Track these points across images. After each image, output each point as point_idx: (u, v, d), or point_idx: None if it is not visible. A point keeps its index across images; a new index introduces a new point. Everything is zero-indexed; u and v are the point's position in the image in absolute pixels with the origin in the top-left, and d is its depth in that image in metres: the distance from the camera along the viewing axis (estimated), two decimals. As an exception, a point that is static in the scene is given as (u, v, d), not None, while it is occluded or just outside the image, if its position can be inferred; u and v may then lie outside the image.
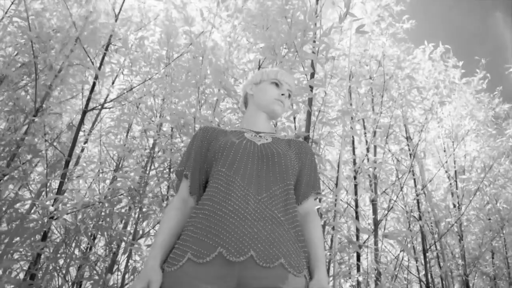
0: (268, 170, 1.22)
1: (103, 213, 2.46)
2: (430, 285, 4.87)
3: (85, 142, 3.49)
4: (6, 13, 3.57)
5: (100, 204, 2.38)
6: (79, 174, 3.17)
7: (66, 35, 3.27)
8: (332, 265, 2.83)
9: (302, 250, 1.14)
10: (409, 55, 6.10)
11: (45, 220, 2.24)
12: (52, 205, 2.25)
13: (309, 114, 3.54)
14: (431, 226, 4.92)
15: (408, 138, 5.73)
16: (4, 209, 2.45)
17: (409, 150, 5.44)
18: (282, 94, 1.46)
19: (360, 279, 3.73)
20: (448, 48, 6.30)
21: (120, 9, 3.68)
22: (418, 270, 4.80)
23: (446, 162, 5.96)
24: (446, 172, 5.91)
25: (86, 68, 3.33)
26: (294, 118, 4.20)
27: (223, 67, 3.53)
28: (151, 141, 3.39)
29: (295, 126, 4.20)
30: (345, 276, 2.85)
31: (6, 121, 3.01)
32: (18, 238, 2.47)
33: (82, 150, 3.55)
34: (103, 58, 3.29)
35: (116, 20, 3.59)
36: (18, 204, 2.92)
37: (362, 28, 2.49)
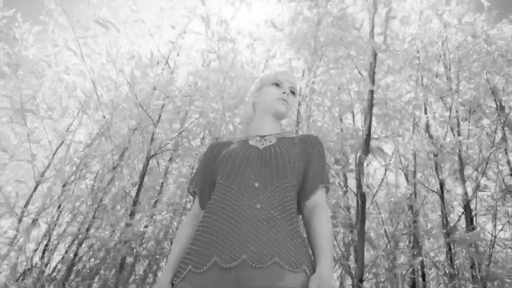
0: (266, 171, 1.24)
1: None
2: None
3: (162, 184, 4.05)
4: (79, 122, 4.30)
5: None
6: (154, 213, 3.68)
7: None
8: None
9: (302, 245, 1.13)
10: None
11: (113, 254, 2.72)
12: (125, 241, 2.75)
13: (370, 108, 3.37)
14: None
15: (498, 107, 5.11)
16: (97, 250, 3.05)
17: (500, 121, 4.85)
18: (284, 93, 1.46)
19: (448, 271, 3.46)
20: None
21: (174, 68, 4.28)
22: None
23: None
24: None
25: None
26: (354, 115, 4.11)
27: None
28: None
29: (362, 126, 4.14)
30: (403, 267, 2.72)
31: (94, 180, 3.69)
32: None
33: (161, 188, 4.10)
34: (159, 116, 3.86)
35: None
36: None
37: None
